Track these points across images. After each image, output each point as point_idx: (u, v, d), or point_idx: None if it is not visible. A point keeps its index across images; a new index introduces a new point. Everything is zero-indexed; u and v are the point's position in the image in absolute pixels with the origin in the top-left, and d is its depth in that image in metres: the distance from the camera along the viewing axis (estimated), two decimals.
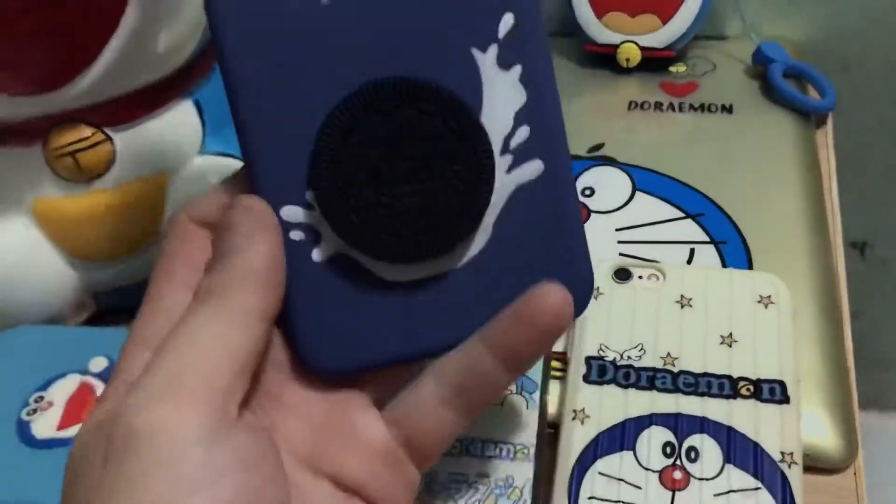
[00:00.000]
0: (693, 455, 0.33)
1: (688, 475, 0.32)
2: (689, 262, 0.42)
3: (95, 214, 0.39)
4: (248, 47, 0.23)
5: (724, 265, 0.41)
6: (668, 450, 0.33)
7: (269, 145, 0.23)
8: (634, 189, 0.46)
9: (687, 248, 0.42)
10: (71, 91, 0.35)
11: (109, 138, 0.38)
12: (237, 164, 0.40)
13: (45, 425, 0.34)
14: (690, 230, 0.43)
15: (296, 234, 0.24)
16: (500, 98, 0.23)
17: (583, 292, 0.25)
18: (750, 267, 0.41)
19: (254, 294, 0.22)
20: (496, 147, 0.24)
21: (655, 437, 0.33)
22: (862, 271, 0.71)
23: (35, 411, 0.35)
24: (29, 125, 0.36)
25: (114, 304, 0.43)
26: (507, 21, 0.23)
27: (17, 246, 0.38)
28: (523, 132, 0.24)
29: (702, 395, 0.34)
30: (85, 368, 0.37)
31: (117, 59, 0.35)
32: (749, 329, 0.36)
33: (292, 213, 0.24)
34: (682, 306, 0.37)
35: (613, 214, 0.45)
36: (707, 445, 0.33)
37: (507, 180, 0.24)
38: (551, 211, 0.24)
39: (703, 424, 0.34)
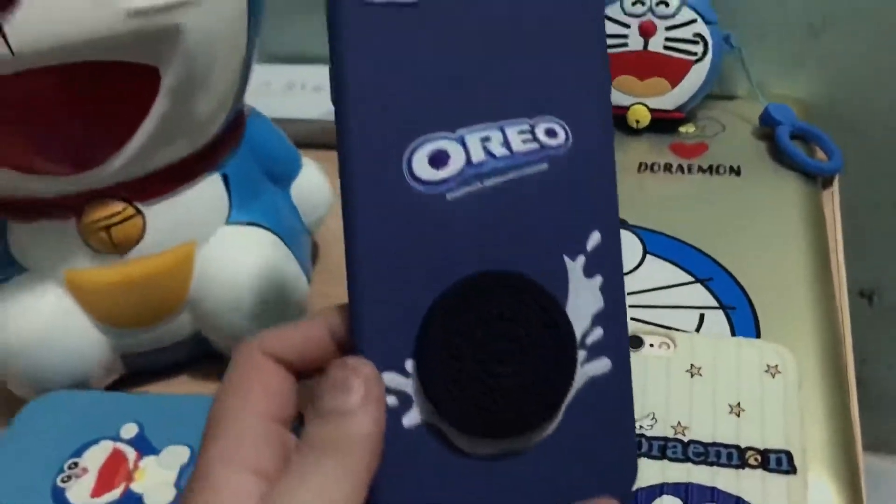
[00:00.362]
0: None
1: None
2: (698, 327, 0.43)
3: (126, 284, 0.40)
4: (377, 229, 0.25)
5: (733, 331, 0.42)
6: None
7: (379, 315, 0.25)
8: (645, 252, 0.47)
9: (697, 313, 0.43)
10: (103, 171, 0.37)
11: (140, 212, 0.39)
12: (263, 234, 0.42)
13: (79, 493, 0.35)
14: (700, 295, 0.44)
15: (390, 399, 0.25)
16: (583, 300, 0.26)
17: (630, 480, 0.28)
18: (757, 332, 0.42)
19: (368, 455, 0.24)
20: (576, 337, 0.26)
21: None
22: (870, 318, 0.72)
23: (70, 478, 0.36)
24: (63, 201, 0.38)
25: (141, 366, 0.44)
26: (594, 237, 0.27)
27: (50, 315, 0.40)
28: (598, 332, 0.27)
29: (711, 464, 0.35)
30: (116, 434, 0.38)
31: (148, 141, 0.37)
32: (756, 398, 0.37)
33: (391, 378, 0.25)
34: (692, 375, 0.38)
35: (625, 278, 0.45)
36: None
37: (580, 372, 0.27)
38: (612, 405, 0.27)
39: (713, 494, 0.34)
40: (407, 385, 0.25)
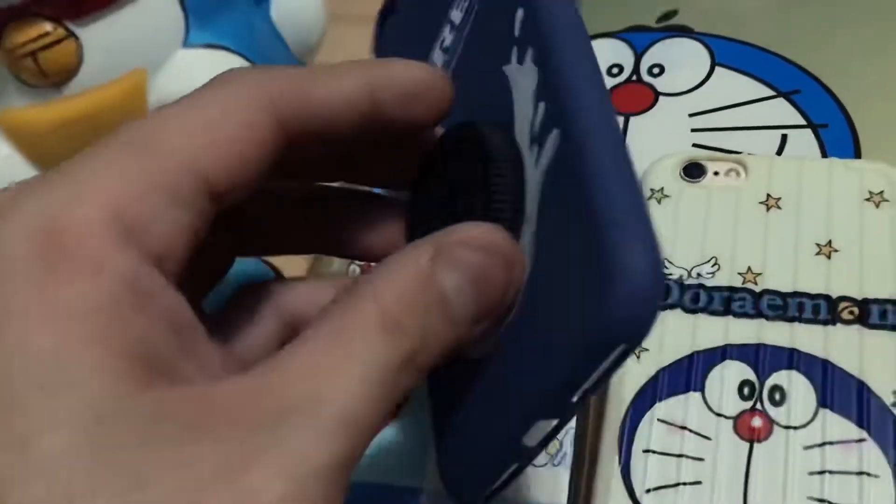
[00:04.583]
0: (778, 397, 0.27)
1: (771, 422, 0.26)
2: (779, 151, 0.35)
3: (69, 123, 0.34)
4: None
5: (824, 153, 0.35)
6: (747, 390, 0.27)
7: None
8: (714, 64, 0.38)
9: (777, 133, 0.35)
10: None
11: (73, 34, 0.33)
12: (229, 58, 0.35)
13: None
14: (782, 111, 0.36)
15: None
16: (521, 90, 0.21)
17: (638, 292, 0.16)
18: (857, 155, 0.34)
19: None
20: (525, 139, 0.21)
21: (730, 375, 0.27)
22: None
23: None
24: None
25: None
26: (518, 17, 0.22)
27: None
28: (541, 109, 0.20)
29: (791, 320, 0.28)
30: None
31: None
32: (854, 235, 0.29)
33: None
34: (769, 208, 0.31)
35: (687, 96, 0.37)
36: (796, 384, 0.27)
37: (536, 174, 0.20)
38: (581, 184, 0.18)
39: (791, 358, 0.27)
40: None
